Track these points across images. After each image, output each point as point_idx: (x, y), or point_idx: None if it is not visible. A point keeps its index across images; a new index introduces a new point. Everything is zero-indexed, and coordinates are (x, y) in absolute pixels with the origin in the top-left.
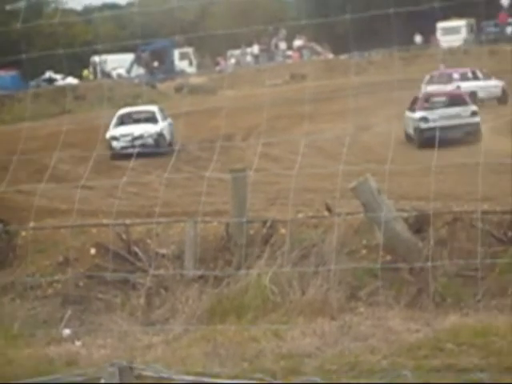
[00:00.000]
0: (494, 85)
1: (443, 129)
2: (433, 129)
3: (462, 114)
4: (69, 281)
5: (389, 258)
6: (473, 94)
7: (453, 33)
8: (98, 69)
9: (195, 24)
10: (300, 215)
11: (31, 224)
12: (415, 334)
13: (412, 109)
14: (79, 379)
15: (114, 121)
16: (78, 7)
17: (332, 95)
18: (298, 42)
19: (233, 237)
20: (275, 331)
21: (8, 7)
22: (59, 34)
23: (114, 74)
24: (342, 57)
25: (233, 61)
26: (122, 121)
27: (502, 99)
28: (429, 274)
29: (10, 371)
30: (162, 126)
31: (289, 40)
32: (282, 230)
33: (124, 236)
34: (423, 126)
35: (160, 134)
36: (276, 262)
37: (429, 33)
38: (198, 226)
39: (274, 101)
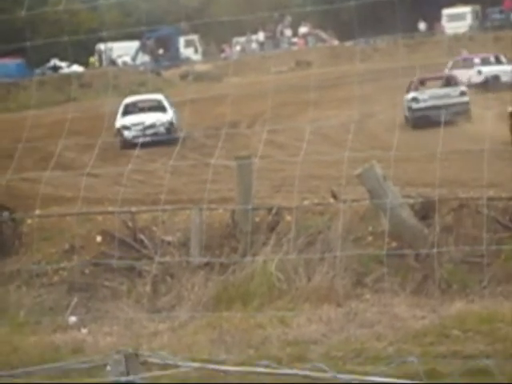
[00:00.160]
0: None
1: (433, 108)
2: (423, 109)
3: (451, 94)
4: (75, 268)
5: (394, 244)
6: (496, 78)
7: (458, 19)
8: (104, 56)
9: (200, 11)
10: (306, 202)
11: (37, 212)
12: (421, 321)
13: (408, 91)
14: (85, 366)
15: (121, 109)
16: None
17: (337, 82)
18: (303, 29)
19: (238, 224)
20: (281, 318)
21: None
22: (64, 21)
23: (119, 61)
24: (348, 44)
25: (238, 48)
26: (130, 109)
27: None
28: (434, 260)
29: (15, 358)
30: (171, 114)
31: (294, 27)
32: (288, 217)
33: (130, 223)
34: (414, 106)
35: (171, 123)
36: (282, 249)
37: (433, 20)
38: (203, 214)
39: (280, 88)
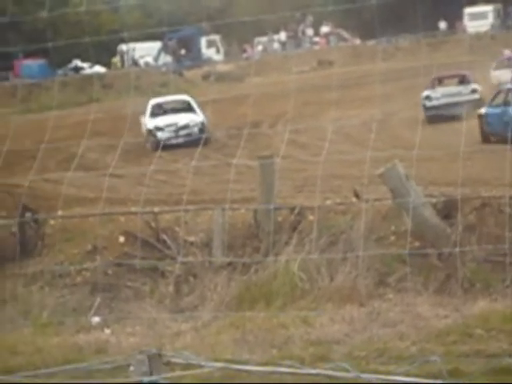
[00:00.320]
0: None
1: (445, 106)
2: (436, 106)
3: (462, 92)
4: (98, 269)
5: (417, 243)
6: None
7: (480, 18)
8: (126, 57)
9: (222, 11)
10: (328, 202)
11: (60, 213)
12: (444, 320)
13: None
14: (108, 367)
15: (149, 111)
16: None
17: (359, 81)
18: (324, 29)
19: (261, 224)
20: (304, 318)
21: None
22: (86, 22)
23: (141, 62)
24: (369, 43)
25: (260, 48)
26: (158, 111)
27: None
28: (457, 259)
29: (39, 359)
30: (202, 114)
31: (316, 26)
32: (310, 217)
33: (153, 224)
34: (428, 103)
35: (203, 123)
36: (304, 249)
37: (454, 19)
38: (225, 214)
39: (301, 87)
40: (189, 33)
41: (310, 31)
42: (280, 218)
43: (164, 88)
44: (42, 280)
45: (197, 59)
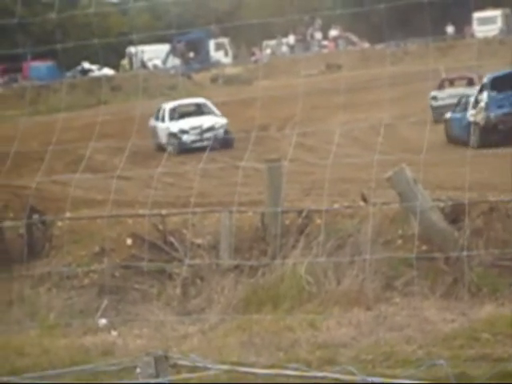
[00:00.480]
0: None
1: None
2: (442, 106)
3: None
4: (105, 271)
5: (424, 247)
6: None
7: (488, 23)
8: (134, 59)
9: (231, 14)
10: (335, 205)
11: (67, 214)
12: (451, 324)
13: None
14: (115, 368)
15: (167, 114)
16: None
17: (367, 85)
18: (333, 32)
19: (268, 227)
20: (311, 321)
21: None
22: (94, 24)
23: (149, 64)
24: (378, 47)
25: (268, 51)
26: (177, 114)
27: None
28: (464, 263)
29: (46, 361)
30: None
31: (324, 30)
32: (318, 220)
33: (160, 226)
34: (434, 103)
35: (227, 125)
36: (311, 252)
37: (462, 23)
38: (233, 216)
39: (310, 91)
40: (197, 36)
41: (318, 35)
42: (287, 221)
43: (172, 90)
44: (50, 282)
45: (205, 62)
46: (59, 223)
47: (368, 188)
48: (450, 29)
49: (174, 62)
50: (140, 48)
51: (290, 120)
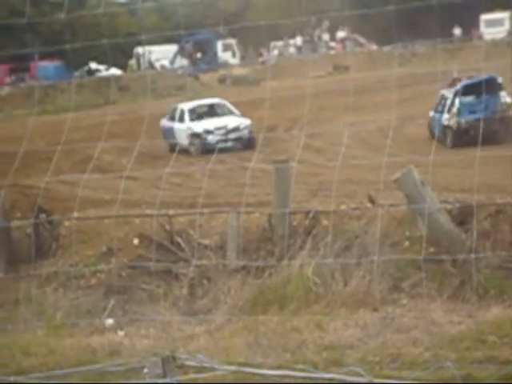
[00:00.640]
0: None
1: None
2: None
3: None
4: (112, 271)
5: (432, 249)
6: None
7: (496, 25)
8: (142, 60)
9: (238, 15)
10: (343, 207)
11: (75, 214)
12: (457, 326)
13: None
14: (121, 369)
15: (187, 114)
16: None
17: (375, 87)
18: (341, 34)
19: (275, 228)
20: (318, 322)
21: None
22: (103, 24)
23: (157, 65)
24: (386, 48)
25: (276, 52)
26: (197, 114)
27: None
28: (472, 265)
29: (52, 361)
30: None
31: (332, 31)
32: (325, 222)
33: (167, 226)
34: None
35: (250, 126)
36: (318, 253)
37: (469, 25)
38: (240, 217)
39: (317, 92)
40: (205, 36)
41: (326, 36)
42: (295, 222)
43: (180, 91)
44: (57, 281)
45: (213, 63)
46: (66, 223)
47: (375, 189)
48: (457, 31)
49: (182, 62)
50: (148, 48)
51: (297, 121)
